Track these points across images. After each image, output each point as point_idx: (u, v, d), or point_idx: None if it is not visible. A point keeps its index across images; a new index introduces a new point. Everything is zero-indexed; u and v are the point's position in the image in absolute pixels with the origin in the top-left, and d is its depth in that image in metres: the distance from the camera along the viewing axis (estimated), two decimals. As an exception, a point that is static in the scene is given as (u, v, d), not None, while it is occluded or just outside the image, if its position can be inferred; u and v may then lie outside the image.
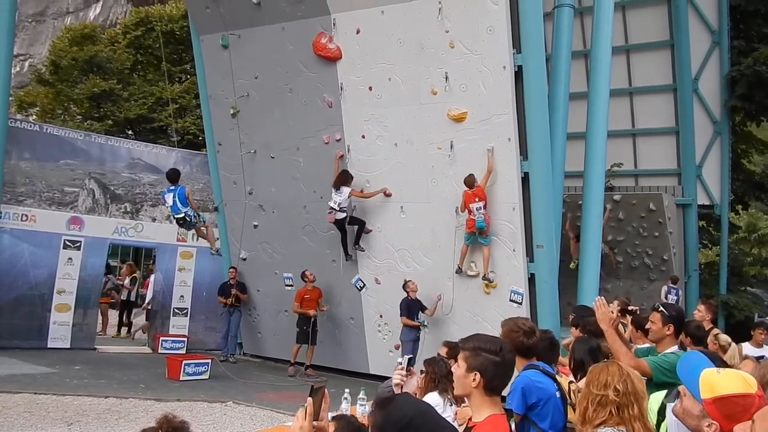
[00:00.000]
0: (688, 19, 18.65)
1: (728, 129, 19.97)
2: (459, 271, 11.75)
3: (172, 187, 12.36)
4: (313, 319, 13.37)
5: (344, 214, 12.61)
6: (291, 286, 14.06)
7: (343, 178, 12.59)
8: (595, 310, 5.00)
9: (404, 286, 12.15)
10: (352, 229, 12.99)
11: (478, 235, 11.35)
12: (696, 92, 19.13)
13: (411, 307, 12.07)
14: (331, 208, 12.55)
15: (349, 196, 12.54)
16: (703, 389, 2.79)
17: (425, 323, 12.08)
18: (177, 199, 12.15)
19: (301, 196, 13.57)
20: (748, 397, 2.71)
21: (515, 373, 4.15)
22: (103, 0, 54.94)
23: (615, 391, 3.11)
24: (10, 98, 16.32)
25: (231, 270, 14.76)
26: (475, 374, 3.03)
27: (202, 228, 13.10)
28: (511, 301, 11.26)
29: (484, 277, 11.50)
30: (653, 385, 4.67)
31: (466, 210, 11.28)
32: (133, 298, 18.25)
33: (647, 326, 5.35)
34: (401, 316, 12.09)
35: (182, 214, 12.22)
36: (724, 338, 7.29)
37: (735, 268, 22.17)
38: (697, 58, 19.03)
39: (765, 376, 3.78)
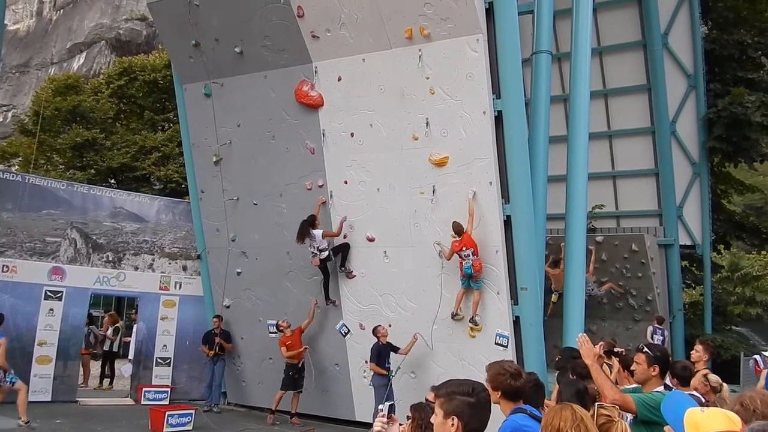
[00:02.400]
0: (663, 63, 19.04)
1: (707, 170, 20.24)
2: (453, 316, 11.68)
3: None
4: (301, 365, 13.21)
5: (326, 253, 12.67)
6: (275, 333, 13.90)
7: (310, 224, 12.68)
8: (579, 347, 5.00)
9: (374, 332, 12.08)
10: (335, 270, 12.99)
11: (469, 280, 11.35)
12: (674, 134, 19.43)
13: (381, 353, 11.98)
14: (313, 252, 12.65)
15: (323, 237, 12.63)
16: (688, 428, 2.80)
17: (393, 372, 11.94)
18: None
19: (285, 243, 13.54)
20: None
21: (502, 417, 4.14)
22: (87, 51, 55.32)
23: None
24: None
25: (215, 319, 14.60)
26: (453, 419, 3.02)
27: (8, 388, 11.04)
28: (496, 344, 11.21)
29: (471, 320, 11.45)
30: (639, 422, 4.66)
31: (456, 254, 11.30)
32: (115, 349, 17.99)
33: (632, 367, 5.34)
34: (371, 361, 12.01)
35: None
36: (715, 378, 7.28)
37: (719, 307, 22.26)
38: (674, 101, 19.36)
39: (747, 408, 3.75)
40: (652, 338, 16.26)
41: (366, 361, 12.72)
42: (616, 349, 8.44)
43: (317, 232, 12.62)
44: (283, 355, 13.28)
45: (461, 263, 11.22)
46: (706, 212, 20.05)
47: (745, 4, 22.10)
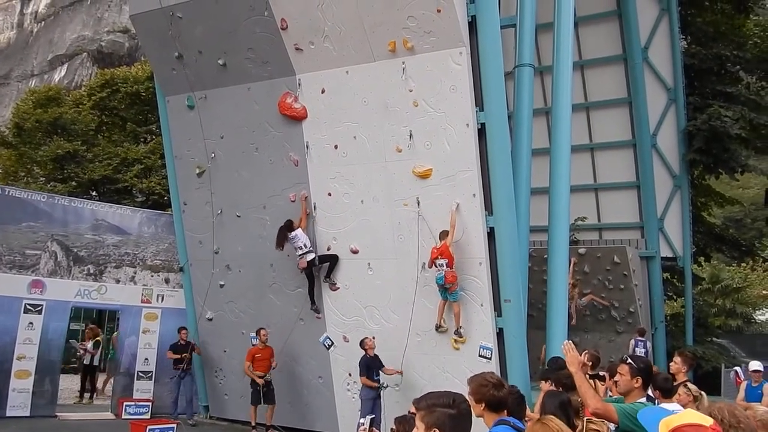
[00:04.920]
0: (644, 77, 19.28)
1: (687, 182, 20.45)
2: (437, 328, 11.66)
3: None
4: (268, 378, 13.07)
5: (313, 254, 12.67)
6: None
7: (287, 229, 12.68)
8: (564, 354, 5.03)
9: (362, 344, 12.04)
10: (320, 280, 12.94)
11: (446, 292, 11.34)
12: (655, 147, 19.64)
13: (370, 366, 11.92)
14: (299, 254, 12.63)
15: (305, 231, 12.67)
16: (661, 428, 2.87)
17: (385, 384, 11.90)
18: None
19: (268, 255, 13.48)
20: (701, 428, 2.78)
21: (486, 429, 4.13)
22: (68, 62, 55.08)
23: None
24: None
25: (183, 331, 14.47)
26: (434, 431, 3.01)
27: None
28: (480, 356, 11.20)
29: (456, 332, 11.44)
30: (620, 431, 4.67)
31: (434, 266, 11.31)
32: (96, 363, 17.78)
33: (615, 378, 5.37)
34: (360, 375, 11.93)
35: None
36: (694, 388, 7.33)
37: (700, 319, 22.42)
38: (654, 114, 19.59)
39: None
40: (634, 350, 16.32)
41: (350, 374, 12.68)
42: (600, 373, 8.45)
43: (296, 233, 12.61)
44: (245, 371, 13.17)
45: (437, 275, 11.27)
46: (687, 224, 20.24)
47: (724, 18, 22.48)
